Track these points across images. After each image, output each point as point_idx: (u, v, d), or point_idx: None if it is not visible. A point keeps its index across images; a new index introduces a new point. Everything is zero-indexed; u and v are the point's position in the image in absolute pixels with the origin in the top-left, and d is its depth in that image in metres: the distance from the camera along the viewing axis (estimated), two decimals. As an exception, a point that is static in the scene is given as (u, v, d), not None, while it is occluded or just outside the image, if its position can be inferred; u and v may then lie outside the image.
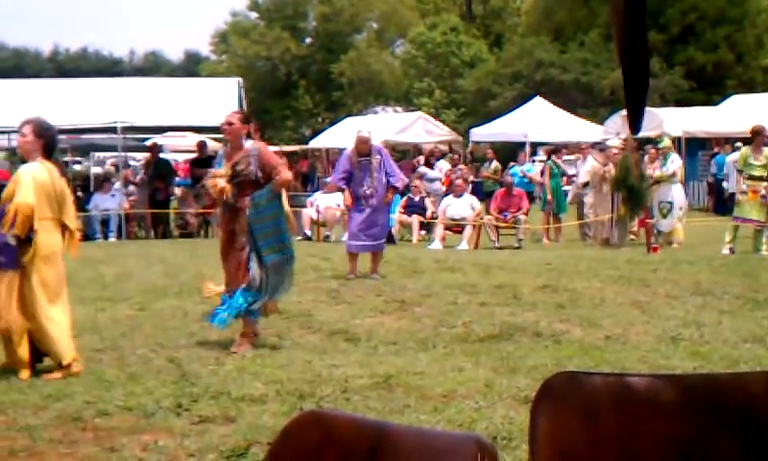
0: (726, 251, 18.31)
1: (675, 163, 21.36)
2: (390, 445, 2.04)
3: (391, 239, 15.44)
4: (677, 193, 21.24)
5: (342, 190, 15.22)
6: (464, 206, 22.30)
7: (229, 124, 10.06)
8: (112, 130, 25.23)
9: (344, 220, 23.21)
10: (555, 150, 28.50)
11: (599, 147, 24.06)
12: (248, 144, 10.01)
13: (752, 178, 18.50)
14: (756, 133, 18.75)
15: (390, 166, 15.05)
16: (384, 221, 15.36)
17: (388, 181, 14.84)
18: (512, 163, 30.06)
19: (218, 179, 9.94)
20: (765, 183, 18.42)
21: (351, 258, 14.90)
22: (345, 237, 22.90)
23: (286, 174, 10.23)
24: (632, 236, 21.80)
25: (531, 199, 25.74)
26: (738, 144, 28.63)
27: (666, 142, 22.37)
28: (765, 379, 2.20)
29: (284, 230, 10.03)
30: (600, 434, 2.10)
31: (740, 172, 18.94)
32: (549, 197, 24.93)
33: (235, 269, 9.88)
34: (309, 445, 2.09)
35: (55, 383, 8.13)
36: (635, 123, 2.17)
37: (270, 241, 9.83)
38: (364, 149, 14.85)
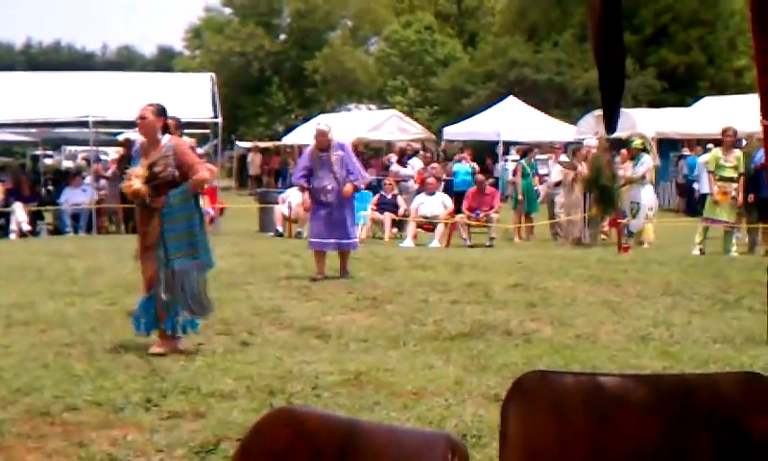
0: (696, 251, 18.41)
1: (645, 165, 21.46)
2: (361, 442, 2.03)
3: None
4: (646, 194, 21.32)
5: (303, 189, 14.76)
6: (436, 204, 22.33)
7: (142, 118, 9.60)
8: (84, 124, 25.12)
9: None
10: (527, 151, 28.55)
11: (572, 148, 24.15)
12: (164, 139, 9.53)
13: (722, 179, 18.61)
14: (727, 134, 18.87)
15: (351, 163, 14.52)
16: (349, 218, 14.63)
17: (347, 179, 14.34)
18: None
19: (133, 180, 9.46)
20: (735, 185, 18.54)
21: (318, 258, 14.41)
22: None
23: (203, 173, 9.67)
24: (603, 236, 21.89)
25: (503, 198, 25.84)
26: (710, 146, 28.77)
27: (637, 143, 22.45)
28: (735, 380, 2.21)
29: (198, 234, 9.47)
30: (570, 433, 2.10)
31: (711, 173, 19.03)
32: (521, 196, 25.00)
33: (154, 272, 9.41)
34: (280, 441, 2.09)
35: (23, 377, 8.08)
36: (610, 123, 2.17)
37: (180, 244, 9.33)
38: (323, 143, 14.43)
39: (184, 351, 9.28)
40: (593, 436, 2.10)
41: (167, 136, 9.61)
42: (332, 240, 14.28)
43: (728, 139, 18.79)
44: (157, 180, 9.37)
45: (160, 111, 9.67)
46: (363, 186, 15.59)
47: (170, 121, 11.03)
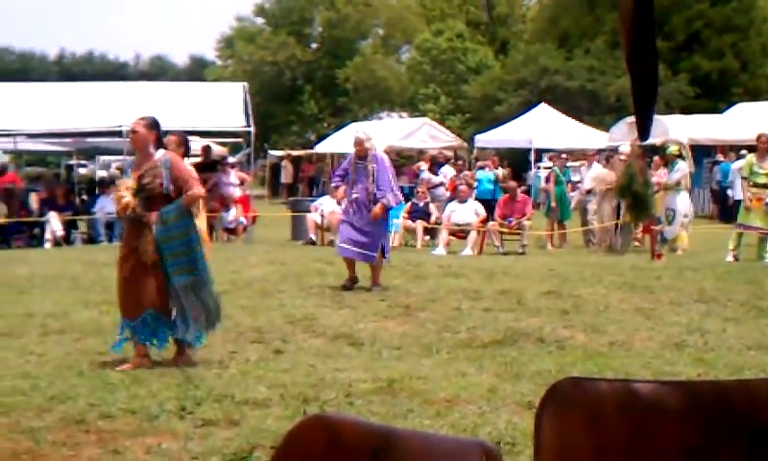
0: (729, 258, 18.30)
1: (680, 172, 21.34)
2: (395, 449, 2.04)
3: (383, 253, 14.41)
4: (681, 201, 21.21)
5: (338, 187, 14.84)
6: (468, 211, 22.31)
7: (134, 132, 9.48)
8: (118, 133, 25.23)
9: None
10: (556, 157, 28.47)
11: (606, 154, 24.08)
12: (159, 154, 9.37)
13: (756, 185, 18.51)
14: (763, 141, 18.76)
15: (383, 179, 14.15)
16: (376, 232, 14.19)
17: (375, 195, 14.08)
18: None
19: (123, 192, 9.35)
20: (769, 191, 18.44)
21: (347, 264, 14.31)
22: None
23: (198, 189, 9.55)
24: (636, 243, 21.80)
25: (535, 205, 25.79)
26: (743, 152, 28.65)
27: (673, 149, 22.36)
28: (771, 386, 2.20)
29: (195, 250, 9.36)
30: (605, 440, 2.10)
31: (745, 179, 18.93)
32: (553, 203, 24.92)
33: (153, 289, 9.22)
34: (314, 449, 2.09)
35: (58, 385, 8.13)
36: (643, 129, 2.16)
37: (179, 262, 9.23)
38: (359, 151, 14.32)
39: (219, 361, 9.31)
40: (628, 443, 2.10)
41: (161, 151, 9.47)
42: (357, 249, 14.09)
43: (762, 145, 18.67)
44: (145, 192, 9.26)
45: (152, 125, 9.53)
46: (394, 205, 14.90)
47: (173, 137, 11.12)
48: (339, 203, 15.14)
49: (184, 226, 9.30)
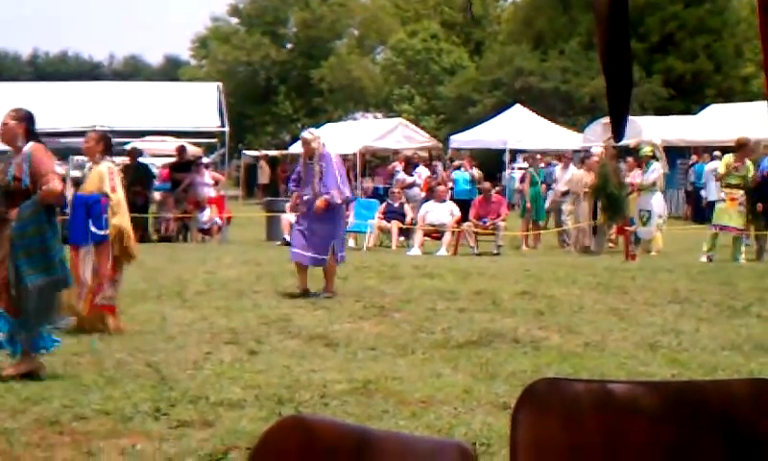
0: (704, 259, 18.39)
1: (655, 173, 21.42)
2: (371, 450, 2.04)
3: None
4: (656, 202, 21.30)
5: (293, 193, 14.32)
6: (443, 212, 22.32)
7: (4, 124, 9.01)
8: (92, 133, 25.16)
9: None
10: (531, 158, 28.54)
11: (581, 156, 24.17)
12: (26, 147, 8.80)
13: (729, 185, 18.64)
14: (742, 145, 18.90)
15: (328, 176, 13.60)
16: (326, 233, 13.60)
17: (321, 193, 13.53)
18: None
19: None
20: (742, 192, 18.55)
21: (299, 270, 13.75)
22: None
23: (54, 185, 8.74)
24: (611, 244, 21.88)
25: (510, 206, 25.84)
26: (716, 153, 28.81)
27: (647, 150, 22.45)
28: (746, 387, 2.21)
29: (52, 248, 8.73)
30: (581, 440, 2.10)
31: (721, 179, 19.06)
32: (528, 204, 24.96)
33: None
34: (290, 450, 2.09)
35: (32, 386, 8.09)
36: (618, 130, 2.18)
37: (34, 260, 8.58)
38: (307, 151, 13.88)
39: (193, 362, 9.28)
40: (605, 443, 2.11)
41: (30, 144, 8.87)
42: (309, 254, 13.58)
43: (743, 151, 18.82)
44: (3, 188, 8.76)
45: (23, 117, 9.06)
46: (339, 201, 13.78)
47: (92, 134, 11.11)
48: (292, 210, 14.90)
49: (39, 221, 8.65)
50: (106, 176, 10.95)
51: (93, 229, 10.81)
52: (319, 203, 13.42)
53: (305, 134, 14.27)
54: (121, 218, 10.90)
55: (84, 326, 10.66)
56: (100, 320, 10.72)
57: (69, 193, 11.24)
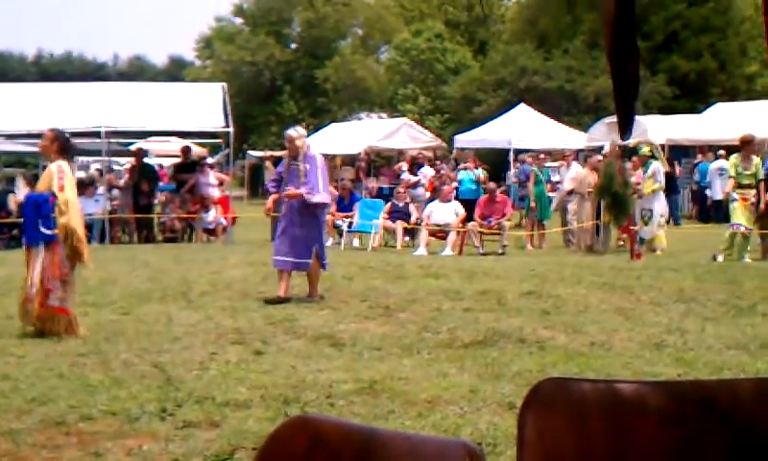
0: (720, 258, 18.32)
1: (658, 172, 21.39)
2: (378, 450, 2.03)
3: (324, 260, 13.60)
4: (658, 201, 21.28)
5: (271, 194, 14.09)
6: (448, 211, 22.32)
7: None
8: (96, 134, 25.20)
9: (328, 225, 23.27)
10: (534, 157, 28.54)
11: (585, 155, 24.17)
12: None
13: (741, 186, 18.63)
14: (746, 142, 18.88)
15: (311, 176, 13.18)
16: (307, 236, 13.25)
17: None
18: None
19: None
20: (754, 191, 18.55)
21: (280, 278, 13.35)
22: (328, 242, 22.99)
23: None
24: (620, 243, 21.83)
25: (514, 206, 25.83)
26: (721, 152, 28.79)
27: (645, 150, 22.42)
28: (753, 386, 2.21)
29: None
30: (589, 440, 2.10)
31: (733, 178, 19.03)
32: (533, 203, 24.96)
33: None
34: (297, 450, 2.09)
35: (38, 387, 8.10)
36: (624, 129, 2.17)
37: None
38: (291, 150, 13.43)
39: (199, 362, 9.29)
40: (611, 443, 2.10)
41: None
42: (290, 259, 13.25)
43: (748, 148, 18.80)
44: None
45: None
46: (313, 200, 13.21)
47: (48, 132, 11.05)
48: (267, 214, 14.75)
49: None
50: (55, 175, 10.82)
51: (42, 228, 10.75)
52: (290, 191, 13.14)
53: (291, 132, 13.72)
54: (69, 218, 10.76)
55: (37, 326, 10.64)
56: (52, 321, 10.65)
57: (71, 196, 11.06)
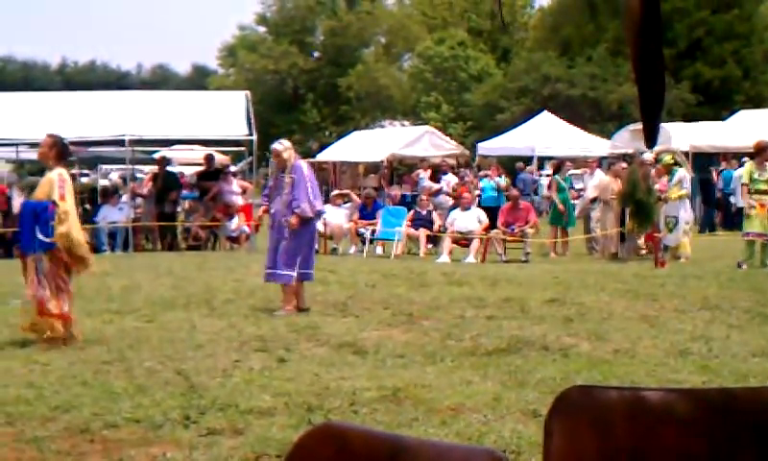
0: (745, 265, 18.23)
1: (684, 180, 21.32)
2: (404, 458, 2.03)
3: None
4: (683, 208, 21.19)
5: (262, 207, 13.85)
6: (471, 219, 22.30)
7: None
8: (120, 142, 25.29)
9: (351, 233, 23.30)
10: (559, 165, 28.43)
11: (608, 162, 24.08)
12: None
13: (757, 192, 18.54)
14: (762, 148, 18.79)
15: (299, 188, 12.91)
16: (293, 247, 12.94)
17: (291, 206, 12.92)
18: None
19: None
20: (768, 197, 18.47)
21: (281, 290, 13.13)
22: (351, 250, 23.03)
23: None
24: (643, 250, 21.73)
25: (538, 213, 25.77)
26: (745, 159, 28.65)
27: (667, 159, 22.32)
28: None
29: None
30: (615, 448, 2.09)
31: (746, 186, 18.94)
32: (561, 207, 24.65)
33: None
34: (323, 458, 2.09)
35: (62, 394, 8.12)
36: (650, 137, 2.16)
37: None
38: (278, 163, 13.32)
39: (223, 370, 9.30)
40: (637, 451, 2.10)
41: None
42: (277, 271, 13.01)
43: (764, 154, 18.70)
44: None
45: None
46: (310, 215, 13.12)
47: (47, 138, 11.02)
48: (257, 228, 14.58)
49: None
50: (56, 183, 10.75)
51: (40, 236, 10.70)
52: (293, 220, 12.82)
53: (276, 146, 13.51)
54: (68, 226, 10.72)
55: (34, 330, 10.65)
56: (49, 326, 10.64)
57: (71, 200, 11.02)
